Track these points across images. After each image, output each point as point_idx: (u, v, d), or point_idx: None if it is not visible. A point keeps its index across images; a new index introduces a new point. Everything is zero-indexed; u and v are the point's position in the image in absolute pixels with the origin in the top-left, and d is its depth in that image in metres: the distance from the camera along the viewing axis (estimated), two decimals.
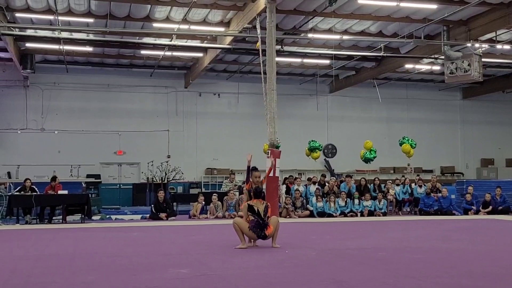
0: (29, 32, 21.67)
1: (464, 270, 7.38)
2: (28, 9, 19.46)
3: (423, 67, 27.11)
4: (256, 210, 9.67)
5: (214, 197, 18.32)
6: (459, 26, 20.93)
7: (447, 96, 32.47)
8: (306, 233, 12.95)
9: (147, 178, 26.49)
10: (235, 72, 27.78)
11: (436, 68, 27.10)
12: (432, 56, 23.87)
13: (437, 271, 7.26)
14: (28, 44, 22.83)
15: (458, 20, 20.63)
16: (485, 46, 22.46)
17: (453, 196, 20.29)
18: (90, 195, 18.69)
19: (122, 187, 27.12)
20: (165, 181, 25.87)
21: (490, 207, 18.99)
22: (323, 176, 21.19)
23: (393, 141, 24.71)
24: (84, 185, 21.14)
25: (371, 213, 18.63)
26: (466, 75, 20.77)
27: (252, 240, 9.79)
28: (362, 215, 18.52)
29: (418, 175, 23.87)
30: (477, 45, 21.70)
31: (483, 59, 21.67)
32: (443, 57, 21.71)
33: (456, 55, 20.86)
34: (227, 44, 21.54)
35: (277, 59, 19.69)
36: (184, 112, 28.85)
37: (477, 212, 19.04)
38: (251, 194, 10.07)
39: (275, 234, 9.75)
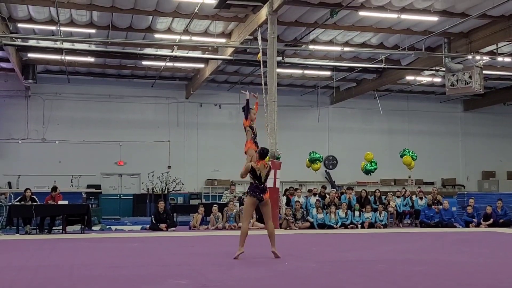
0: (31, 42, 21.78)
1: (465, 283, 7.36)
2: (30, 20, 19.56)
3: (424, 79, 27.13)
4: (258, 174, 9.76)
5: (215, 208, 18.27)
6: (460, 39, 20.99)
7: (448, 108, 32.48)
8: (307, 244, 12.92)
9: (148, 188, 26.47)
10: (236, 83, 27.81)
11: (437, 80, 27.13)
12: (433, 68, 23.90)
13: (438, 283, 7.23)
14: (30, 55, 22.89)
15: (459, 33, 20.69)
16: (486, 58, 22.49)
17: (454, 209, 20.22)
18: (90, 205, 18.65)
19: (122, 197, 27.05)
20: (166, 192, 25.83)
21: (491, 220, 18.92)
22: (324, 187, 21.16)
23: (394, 153, 24.69)
24: (84, 195, 21.10)
25: (371, 225, 18.58)
26: (467, 87, 20.82)
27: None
28: (362, 227, 18.48)
29: (419, 187, 23.85)
30: (478, 57, 21.75)
31: (484, 72, 21.75)
32: (444, 69, 21.78)
33: (457, 67, 20.90)
34: (228, 55, 21.60)
35: (278, 70, 19.75)
36: (185, 123, 28.86)
37: (478, 224, 18.99)
38: (257, 154, 10.37)
39: (272, 237, 9.72)
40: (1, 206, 15.95)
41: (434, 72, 24.93)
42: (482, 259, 10.06)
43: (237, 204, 18.66)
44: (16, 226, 16.09)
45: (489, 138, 32.70)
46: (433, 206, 19.62)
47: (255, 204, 9.83)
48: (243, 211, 9.70)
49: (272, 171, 16.99)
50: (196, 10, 17.65)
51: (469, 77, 20.58)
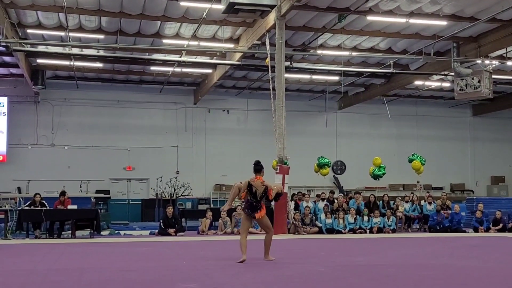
0: (40, 48, 21.88)
1: None
2: (39, 26, 19.66)
3: (432, 83, 27.05)
4: (254, 190, 9.87)
5: (223, 213, 18.29)
6: (469, 43, 20.93)
7: (457, 113, 32.39)
8: (315, 249, 12.90)
9: (156, 194, 26.50)
10: (244, 88, 27.83)
11: (446, 84, 27.04)
12: (442, 73, 23.83)
13: None
14: (39, 60, 22.98)
15: (468, 37, 20.63)
16: (495, 62, 22.42)
17: (463, 214, 20.16)
18: (99, 210, 18.70)
19: (131, 202, 27.10)
20: (174, 197, 25.86)
21: (501, 225, 18.85)
22: (332, 192, 21.13)
23: (403, 158, 24.63)
24: (93, 200, 21.16)
25: (380, 230, 18.55)
26: (476, 91, 20.75)
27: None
28: (371, 232, 18.44)
29: (428, 192, 23.76)
30: (487, 61, 21.66)
31: (493, 76, 21.67)
32: (453, 73, 21.71)
33: (466, 71, 20.83)
34: (236, 61, 21.61)
35: (286, 75, 19.74)
36: (193, 128, 28.90)
37: (487, 229, 18.91)
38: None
39: (267, 246, 9.97)
40: (11, 210, 15.98)
41: (443, 76, 24.84)
42: (492, 264, 10.02)
43: None
44: (25, 231, 16.15)
45: (498, 143, 32.56)
46: (442, 211, 19.57)
47: (249, 219, 10.05)
48: (240, 224, 9.82)
49: (280, 176, 17.08)
50: (204, 15, 17.68)
51: (478, 81, 20.51)
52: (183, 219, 19.65)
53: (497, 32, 19.80)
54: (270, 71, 18.78)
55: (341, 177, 30.24)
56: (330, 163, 22.34)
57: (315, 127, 30.14)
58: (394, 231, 18.76)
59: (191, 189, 26.72)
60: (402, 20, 18.46)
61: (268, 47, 18.70)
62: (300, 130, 28.78)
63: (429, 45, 20.51)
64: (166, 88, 27.68)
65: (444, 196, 21.23)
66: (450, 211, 19.63)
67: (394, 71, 22.97)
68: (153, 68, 24.55)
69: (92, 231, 16.39)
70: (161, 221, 18.12)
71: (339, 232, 18.09)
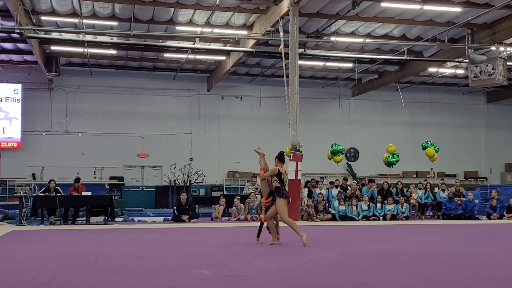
0: (54, 35, 21.93)
1: (488, 275, 7.31)
2: (53, 12, 19.70)
3: (446, 70, 26.89)
4: (282, 178, 10.42)
5: (237, 199, 18.35)
6: (483, 30, 20.77)
7: (471, 100, 32.19)
8: (328, 236, 12.92)
9: (170, 180, 26.59)
10: (258, 75, 27.80)
11: (460, 71, 26.88)
12: (456, 60, 23.68)
13: (460, 275, 7.21)
14: (53, 47, 23.06)
15: (482, 24, 20.48)
16: (510, 49, 22.23)
17: (476, 201, 20.09)
18: (113, 197, 18.81)
19: (145, 189, 27.23)
20: (188, 184, 25.94)
21: None
22: (345, 179, 21.12)
23: (416, 145, 24.57)
24: (107, 187, 21.28)
25: (393, 217, 18.54)
26: (491, 78, 20.62)
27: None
28: (384, 219, 18.44)
29: (442, 179, 23.69)
30: (501, 48, 21.49)
31: (508, 63, 21.51)
32: (467, 60, 21.59)
33: (480, 58, 20.69)
34: (250, 47, 21.57)
35: (300, 62, 19.71)
36: (207, 115, 28.94)
37: (501, 217, 18.84)
38: (276, 158, 10.72)
39: (278, 228, 10.71)
40: (26, 197, 16.11)
41: (457, 63, 24.68)
42: (506, 251, 10.00)
43: (259, 196, 18.69)
44: (40, 217, 16.31)
45: None
46: (455, 198, 19.52)
47: (287, 204, 10.38)
48: (279, 211, 10.19)
49: (294, 163, 17.10)
50: (217, 2, 17.67)
51: (493, 68, 20.38)
52: (196, 206, 19.73)
53: None
54: (283, 58, 18.75)
55: (355, 164, 30.23)
56: (344, 150, 22.32)
57: (329, 114, 30.09)
58: (407, 218, 18.74)
59: (204, 176, 26.79)
60: (416, 6, 18.35)
61: (281, 34, 18.66)
62: (314, 117, 28.75)
63: (443, 31, 20.39)
64: (179, 75, 27.70)
65: (458, 183, 21.16)
66: (464, 199, 19.58)
67: (408, 58, 22.87)
68: (166, 55, 24.57)
69: (106, 218, 16.50)
70: (175, 207, 18.20)
71: (352, 219, 18.10)
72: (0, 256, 9.19)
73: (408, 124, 31.17)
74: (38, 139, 26.79)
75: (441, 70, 26.81)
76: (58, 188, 16.92)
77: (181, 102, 28.70)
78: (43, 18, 20.17)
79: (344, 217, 18.15)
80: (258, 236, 10.64)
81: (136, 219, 19.00)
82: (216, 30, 21.09)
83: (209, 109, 28.99)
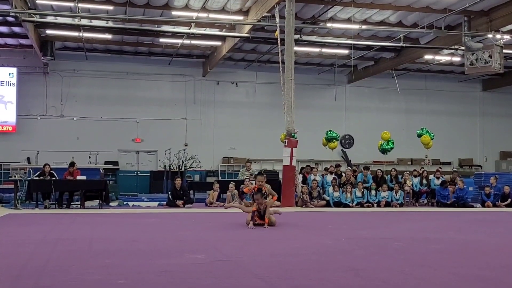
0: (50, 19, 21.78)
1: (481, 261, 7.34)
2: None
3: (442, 58, 26.88)
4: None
5: (231, 185, 18.36)
6: (480, 17, 20.74)
7: (467, 87, 32.22)
8: (323, 222, 12.95)
9: (165, 166, 26.61)
10: (253, 61, 27.74)
11: (456, 59, 26.87)
12: (452, 47, 23.67)
13: (454, 261, 7.24)
14: (49, 31, 22.94)
15: (479, 11, 20.43)
16: (507, 37, 22.21)
17: (470, 189, 20.16)
18: (108, 181, 18.82)
19: (139, 174, 27.26)
20: (182, 169, 25.95)
21: (509, 200, 18.85)
22: (338, 166, 21.09)
23: (411, 132, 24.60)
24: (102, 171, 21.27)
25: (388, 204, 18.60)
26: (487, 66, 20.62)
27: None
28: (378, 205, 18.50)
29: (440, 167, 23.73)
30: (498, 36, 21.47)
31: (504, 51, 21.51)
32: (463, 48, 21.56)
33: (476, 46, 20.67)
34: (246, 33, 21.49)
35: (296, 48, 19.65)
36: (202, 100, 28.90)
37: (494, 205, 18.91)
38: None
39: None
40: (21, 181, 16.11)
41: (453, 51, 24.67)
42: (499, 238, 10.04)
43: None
44: (35, 201, 16.32)
45: (508, 118, 32.45)
46: (449, 186, 19.57)
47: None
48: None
49: (289, 149, 17.11)
50: None
51: (489, 56, 20.38)
52: (191, 191, 19.75)
53: (509, 6, 19.58)
54: (279, 44, 18.71)
55: (349, 151, 30.24)
56: (339, 137, 22.34)
57: (324, 101, 30.09)
58: (401, 205, 18.81)
59: (199, 162, 26.79)
60: None
61: (277, 19, 18.60)
62: (309, 104, 28.75)
63: (439, 19, 20.35)
64: (175, 60, 27.63)
65: (456, 174, 21.27)
66: (456, 187, 19.65)
67: (404, 45, 22.83)
68: (162, 40, 24.48)
69: (101, 202, 16.54)
70: (169, 192, 18.24)
71: (346, 205, 18.16)
72: None
73: (404, 111, 31.20)
74: (33, 123, 26.73)
75: (437, 57, 26.80)
76: (53, 172, 16.91)
77: (176, 87, 28.65)
78: (38, 1, 20.05)
79: (338, 204, 18.20)
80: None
81: (130, 203, 19.01)
82: (212, 15, 20.99)
83: (204, 94, 28.94)
